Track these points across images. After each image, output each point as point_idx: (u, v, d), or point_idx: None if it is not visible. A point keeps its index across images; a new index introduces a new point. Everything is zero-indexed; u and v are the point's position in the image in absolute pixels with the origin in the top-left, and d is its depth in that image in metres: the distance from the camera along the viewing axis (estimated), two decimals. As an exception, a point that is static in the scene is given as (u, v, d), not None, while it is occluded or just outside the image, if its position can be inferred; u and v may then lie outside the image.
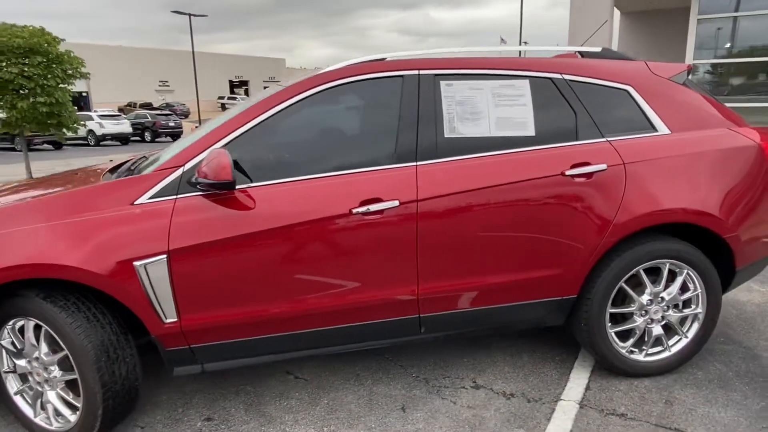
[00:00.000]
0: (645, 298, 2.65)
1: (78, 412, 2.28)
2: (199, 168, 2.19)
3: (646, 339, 2.70)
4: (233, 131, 2.35)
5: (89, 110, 32.67)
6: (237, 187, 2.29)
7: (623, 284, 2.60)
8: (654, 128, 2.60)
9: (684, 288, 2.69)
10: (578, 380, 2.74)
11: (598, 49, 2.77)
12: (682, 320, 2.74)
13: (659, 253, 2.57)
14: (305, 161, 2.44)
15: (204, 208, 2.26)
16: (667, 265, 2.61)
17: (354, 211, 2.31)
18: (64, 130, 9.38)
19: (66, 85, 9.00)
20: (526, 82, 2.56)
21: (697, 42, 9.66)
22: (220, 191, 2.24)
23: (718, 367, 2.83)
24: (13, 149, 19.98)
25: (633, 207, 2.50)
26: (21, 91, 8.46)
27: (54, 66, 8.68)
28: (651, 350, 2.72)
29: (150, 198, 2.26)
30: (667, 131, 2.61)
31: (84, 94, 47.25)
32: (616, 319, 2.72)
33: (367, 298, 2.41)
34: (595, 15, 8.53)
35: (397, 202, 2.34)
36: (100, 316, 2.25)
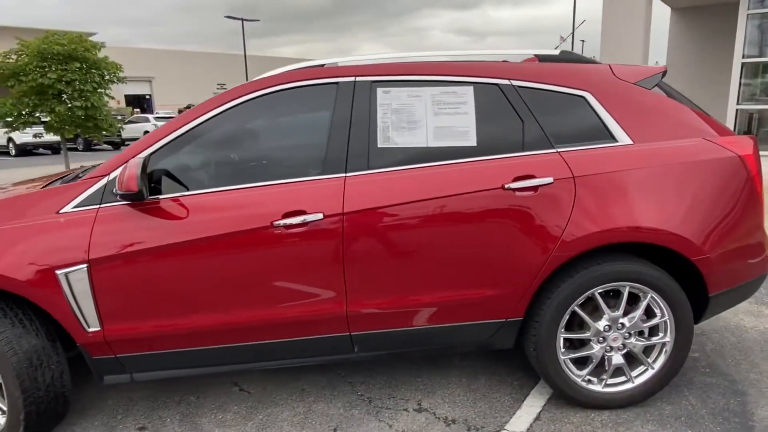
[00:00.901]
0: (602, 324, 2.42)
1: (5, 416, 2.32)
2: (117, 178, 2.18)
3: (606, 368, 2.47)
4: (159, 140, 2.33)
5: (151, 112, 34.23)
6: (163, 196, 2.26)
7: (576, 308, 2.39)
8: (613, 138, 2.38)
9: (650, 314, 2.44)
10: (530, 409, 2.54)
11: (556, 52, 2.56)
12: (648, 349, 2.49)
13: (617, 275, 2.34)
14: (234, 171, 2.39)
15: (126, 218, 2.24)
16: (627, 288, 2.37)
17: (275, 223, 2.23)
18: (104, 132, 9.84)
19: (102, 90, 9.42)
20: (470, 88, 2.39)
21: (747, 38, 8.93)
22: (140, 201, 2.22)
23: (692, 402, 2.55)
24: (76, 149, 21.19)
25: (583, 224, 2.29)
26: (61, 96, 8.92)
27: (92, 72, 9.10)
28: (611, 380, 2.49)
29: (74, 207, 2.27)
30: (628, 141, 2.37)
31: (147, 96, 49.64)
32: (575, 345, 2.50)
33: (293, 313, 2.33)
34: (630, 8, 8.04)
35: (321, 215, 2.24)
36: (27, 323, 2.28)
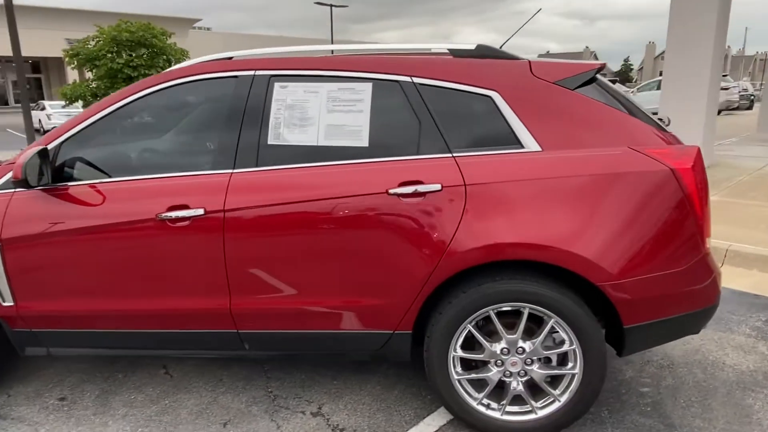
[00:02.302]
0: (498, 346, 2.21)
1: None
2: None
3: (506, 394, 2.27)
4: (69, 130, 2.43)
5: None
6: (70, 183, 2.37)
7: (470, 326, 2.20)
8: (520, 144, 2.14)
9: (559, 341, 2.20)
10: (426, 427, 2.40)
11: (472, 47, 2.33)
12: (557, 379, 2.24)
13: (513, 295, 2.12)
14: (135, 162, 2.44)
15: (36, 203, 2.37)
16: (527, 310, 2.14)
17: (159, 216, 2.26)
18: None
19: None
20: (369, 85, 2.25)
21: None
22: (39, 188, 2.34)
23: (608, 443, 2.28)
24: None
25: (471, 237, 2.09)
26: (131, 80, 9.63)
27: (158, 57, 9.72)
28: (511, 408, 2.27)
29: (-6, 190, 2.44)
30: (536, 148, 2.12)
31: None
32: (476, 365, 2.31)
33: (183, 305, 2.36)
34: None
35: (202, 211, 2.23)
36: (-45, 293, 2.49)
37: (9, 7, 8.21)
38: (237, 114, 2.30)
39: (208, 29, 50.64)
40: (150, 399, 2.67)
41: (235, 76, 2.35)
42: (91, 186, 2.36)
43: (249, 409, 2.57)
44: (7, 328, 2.54)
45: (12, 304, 2.46)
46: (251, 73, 2.34)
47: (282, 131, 2.27)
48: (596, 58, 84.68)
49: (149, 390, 2.76)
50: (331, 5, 30.63)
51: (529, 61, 2.23)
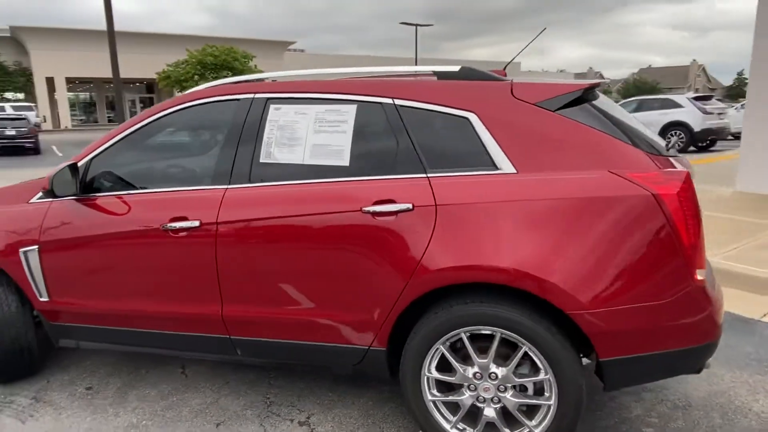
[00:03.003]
0: (471, 370, 2.17)
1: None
2: None
3: (479, 420, 2.22)
4: (99, 147, 2.72)
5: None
6: (98, 195, 2.66)
7: (443, 347, 2.18)
8: (495, 166, 2.11)
9: (535, 368, 2.12)
10: (404, 447, 2.39)
11: (456, 69, 2.34)
12: (533, 409, 2.16)
13: (484, 318, 2.09)
14: (150, 176, 2.69)
15: (68, 212, 2.68)
16: (499, 335, 2.10)
17: (163, 226, 2.47)
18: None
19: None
20: (354, 107, 2.33)
21: None
22: (72, 198, 2.65)
23: (589, 482, 2.14)
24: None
25: (439, 257, 2.09)
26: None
27: (238, 79, 10.42)
28: (486, 436, 2.22)
29: (38, 198, 2.79)
30: (511, 170, 2.09)
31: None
32: (452, 387, 2.29)
33: (183, 309, 2.55)
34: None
35: (198, 223, 2.42)
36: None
37: (111, 33, 9.24)
38: (235, 133, 2.48)
39: (302, 51, 53.51)
40: (161, 395, 2.89)
41: (237, 99, 2.53)
42: (113, 197, 2.63)
43: (244, 412, 2.71)
44: (45, 321, 2.87)
45: (47, 299, 2.78)
46: (251, 96, 2.51)
47: (273, 150, 2.41)
48: (704, 72, 78.61)
49: (163, 386, 2.98)
50: (416, 25, 31.21)
51: (512, 82, 2.21)
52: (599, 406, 2.66)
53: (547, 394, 2.11)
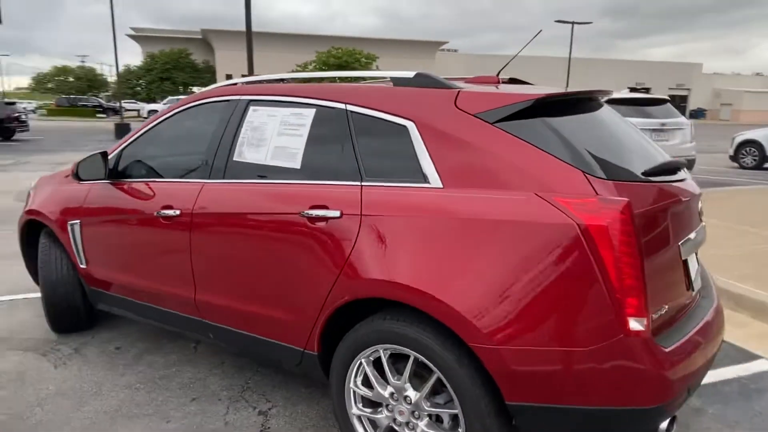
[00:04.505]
0: (387, 390, 2.08)
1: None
2: None
3: (398, 443, 2.12)
4: (127, 140, 3.10)
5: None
6: (130, 180, 3.04)
7: (364, 361, 2.13)
8: (424, 179, 1.99)
9: (451, 400, 1.97)
10: (337, 455, 2.37)
11: (411, 75, 2.21)
12: (446, 442, 2.00)
13: (393, 337, 1.99)
14: (156, 167, 2.99)
15: (101, 193, 3.11)
16: (412, 357, 1.98)
17: (156, 213, 2.74)
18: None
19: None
20: (313, 111, 2.36)
21: None
22: (107, 181, 3.06)
23: None
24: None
25: (356, 268, 2.04)
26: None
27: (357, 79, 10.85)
28: (401, 461, 2.11)
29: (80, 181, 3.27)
30: (438, 185, 1.95)
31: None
32: (375, 405, 2.21)
33: (168, 289, 2.81)
34: None
35: (179, 212, 2.64)
36: (54, 252, 3.40)
37: (248, 32, 10.21)
38: (220, 132, 2.65)
39: (455, 51, 53.47)
40: (166, 364, 3.21)
41: (227, 100, 2.70)
42: (127, 184, 2.98)
43: (221, 392, 2.89)
44: (86, 285, 3.35)
45: (85, 266, 3.25)
46: (237, 97, 2.66)
47: (244, 149, 2.54)
48: None
49: (171, 357, 3.30)
50: (573, 23, 29.40)
51: (459, 91, 2.05)
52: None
53: (460, 430, 1.94)
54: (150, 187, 2.86)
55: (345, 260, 2.08)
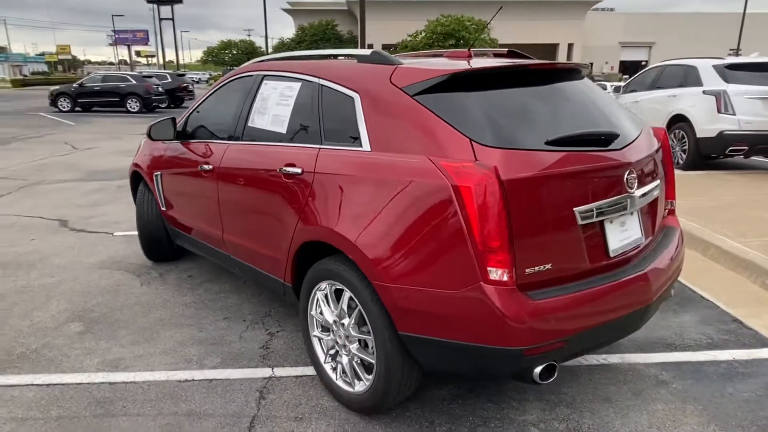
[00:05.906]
0: (332, 318, 2.53)
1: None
2: None
3: (339, 361, 2.57)
4: (193, 107, 3.83)
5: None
6: (189, 141, 3.80)
7: (319, 294, 2.59)
8: (360, 143, 2.35)
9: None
10: (281, 370, 2.89)
11: (368, 52, 2.52)
12: (370, 367, 2.40)
13: (328, 273, 2.44)
14: (203, 130, 3.67)
15: (173, 150, 3.91)
16: (347, 292, 2.40)
17: (200, 167, 3.43)
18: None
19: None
20: (299, 84, 2.80)
21: None
22: (177, 141, 3.84)
23: (403, 445, 2.30)
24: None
25: (307, 216, 2.49)
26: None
27: (463, 47, 10.91)
28: (343, 377, 2.56)
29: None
30: (367, 149, 2.30)
31: (644, 62, 48.40)
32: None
33: (210, 230, 3.51)
34: None
35: (211, 167, 3.30)
36: (147, 197, 4.33)
37: (362, 4, 10.77)
38: (242, 102, 3.23)
39: (611, 10, 48.99)
40: (218, 291, 3.98)
41: (250, 75, 3.26)
42: (186, 144, 3.72)
43: (247, 315, 3.57)
44: (167, 224, 4.23)
45: (165, 209, 4.12)
46: (256, 73, 3.20)
47: (255, 117, 3.08)
48: None
49: (224, 286, 4.07)
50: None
51: (396, 67, 2.35)
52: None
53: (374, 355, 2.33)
54: (198, 147, 3.56)
55: (301, 209, 2.54)
